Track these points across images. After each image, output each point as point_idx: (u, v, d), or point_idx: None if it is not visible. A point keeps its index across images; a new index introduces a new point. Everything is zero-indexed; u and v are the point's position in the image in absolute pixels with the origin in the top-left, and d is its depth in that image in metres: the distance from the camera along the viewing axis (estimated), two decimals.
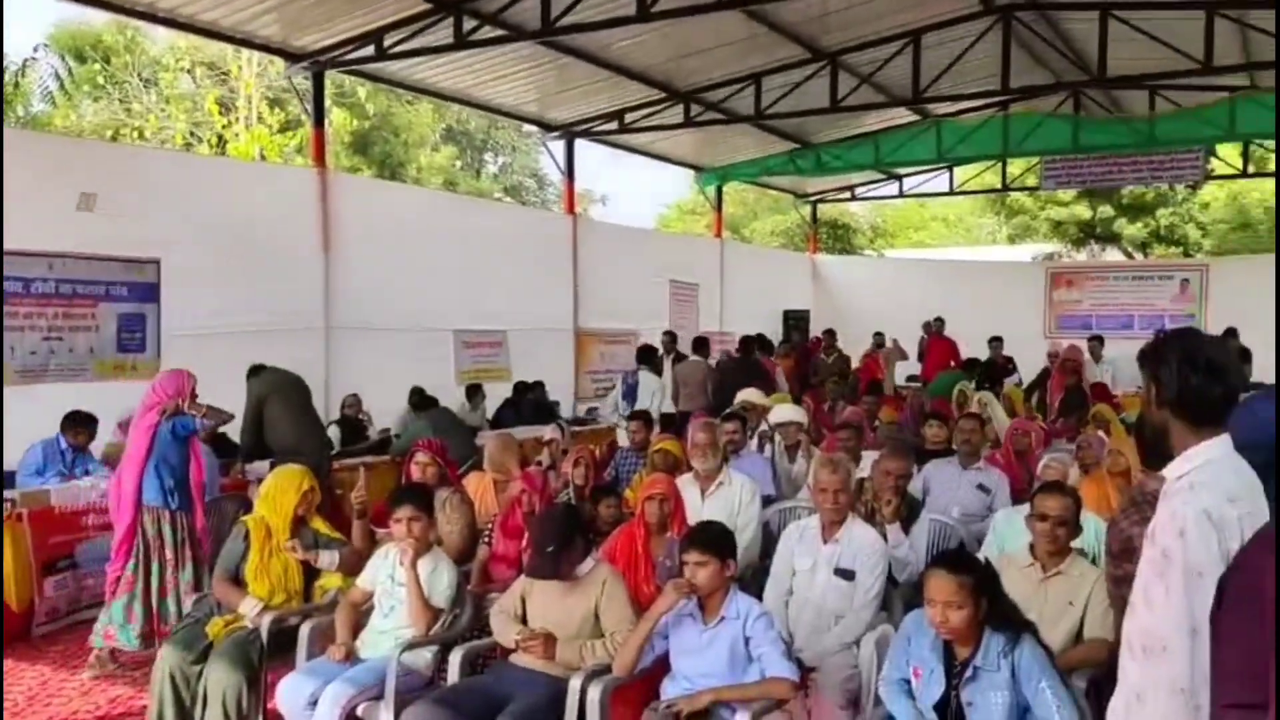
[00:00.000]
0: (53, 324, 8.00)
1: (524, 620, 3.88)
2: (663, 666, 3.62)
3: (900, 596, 4.32)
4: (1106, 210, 22.81)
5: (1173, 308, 17.28)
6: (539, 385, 11.94)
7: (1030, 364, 14.60)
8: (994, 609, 3.00)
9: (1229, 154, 17.73)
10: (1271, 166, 17.43)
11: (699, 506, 5.09)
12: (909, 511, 5.03)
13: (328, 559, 4.49)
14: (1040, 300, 18.29)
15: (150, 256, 8.66)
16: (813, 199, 20.17)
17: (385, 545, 4.25)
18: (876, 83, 12.72)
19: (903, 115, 15.24)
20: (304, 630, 4.19)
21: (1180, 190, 22.06)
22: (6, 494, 6.03)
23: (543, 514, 4.92)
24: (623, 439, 8.24)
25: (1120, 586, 2.94)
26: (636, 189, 52.43)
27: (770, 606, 4.15)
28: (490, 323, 12.37)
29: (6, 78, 13.47)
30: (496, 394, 11.66)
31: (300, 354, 9.11)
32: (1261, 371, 13.78)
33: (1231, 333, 13.65)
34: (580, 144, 14.18)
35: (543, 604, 3.84)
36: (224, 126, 19.82)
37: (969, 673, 3.01)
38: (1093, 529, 4.27)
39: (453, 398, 11.05)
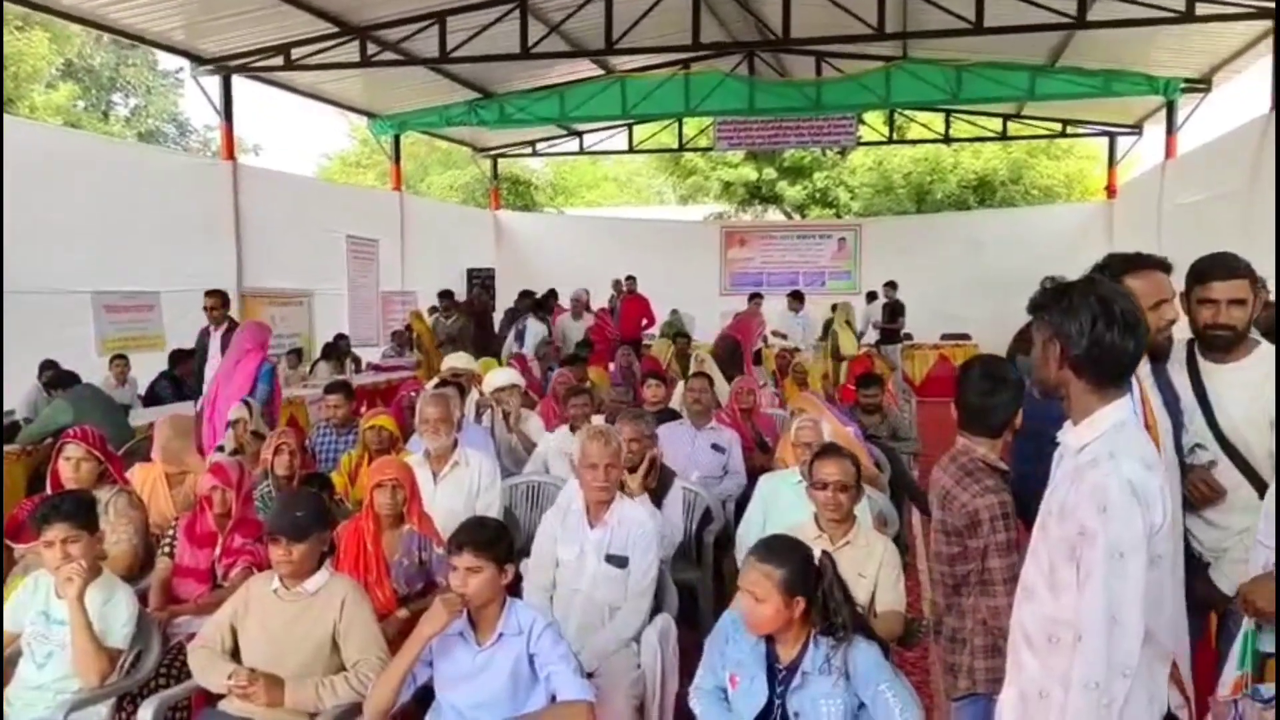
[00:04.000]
0: None
1: (236, 655, 3.07)
2: (424, 701, 2.98)
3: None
4: (770, 173, 24.01)
5: (832, 264, 18.52)
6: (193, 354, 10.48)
7: (708, 323, 15.07)
8: (818, 607, 2.64)
9: (875, 122, 19.22)
10: (912, 134, 19.06)
11: (431, 492, 4.42)
12: (660, 480, 4.69)
13: None
14: (715, 258, 18.92)
15: None
16: (493, 153, 19.54)
17: (31, 572, 3.23)
18: (566, 32, 12.30)
19: (587, 69, 14.99)
20: None
21: (832, 155, 23.69)
22: None
23: (294, 490, 4.12)
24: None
25: (956, 565, 2.70)
26: (291, 138, 48.80)
27: (532, 605, 3.63)
28: (138, 283, 10.69)
29: None
30: (149, 366, 10.12)
31: None
32: (914, 325, 15.16)
33: (892, 285, 14.81)
34: (237, 83, 12.58)
35: (261, 632, 3.05)
36: None
37: (795, 679, 2.64)
38: None
39: (98, 369, 9.46)
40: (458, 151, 23.57)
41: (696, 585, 4.77)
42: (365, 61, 12.10)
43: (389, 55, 12.32)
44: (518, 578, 3.81)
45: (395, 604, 3.75)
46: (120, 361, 9.68)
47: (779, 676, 2.66)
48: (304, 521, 3.01)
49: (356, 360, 12.39)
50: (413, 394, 6.36)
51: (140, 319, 10.82)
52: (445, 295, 11.66)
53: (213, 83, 12.47)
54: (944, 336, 15.49)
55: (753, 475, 5.43)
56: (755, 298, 12.98)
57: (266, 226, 12.55)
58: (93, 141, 15.38)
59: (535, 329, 11.24)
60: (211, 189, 12.05)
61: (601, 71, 14.96)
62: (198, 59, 12.14)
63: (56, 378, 8.11)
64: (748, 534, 4.40)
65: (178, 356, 10.19)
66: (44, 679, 3.07)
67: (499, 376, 6.84)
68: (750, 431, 6.34)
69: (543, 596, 3.65)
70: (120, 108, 30.27)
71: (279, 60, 12.09)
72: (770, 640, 2.68)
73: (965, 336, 15.27)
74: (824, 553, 2.73)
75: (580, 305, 12.11)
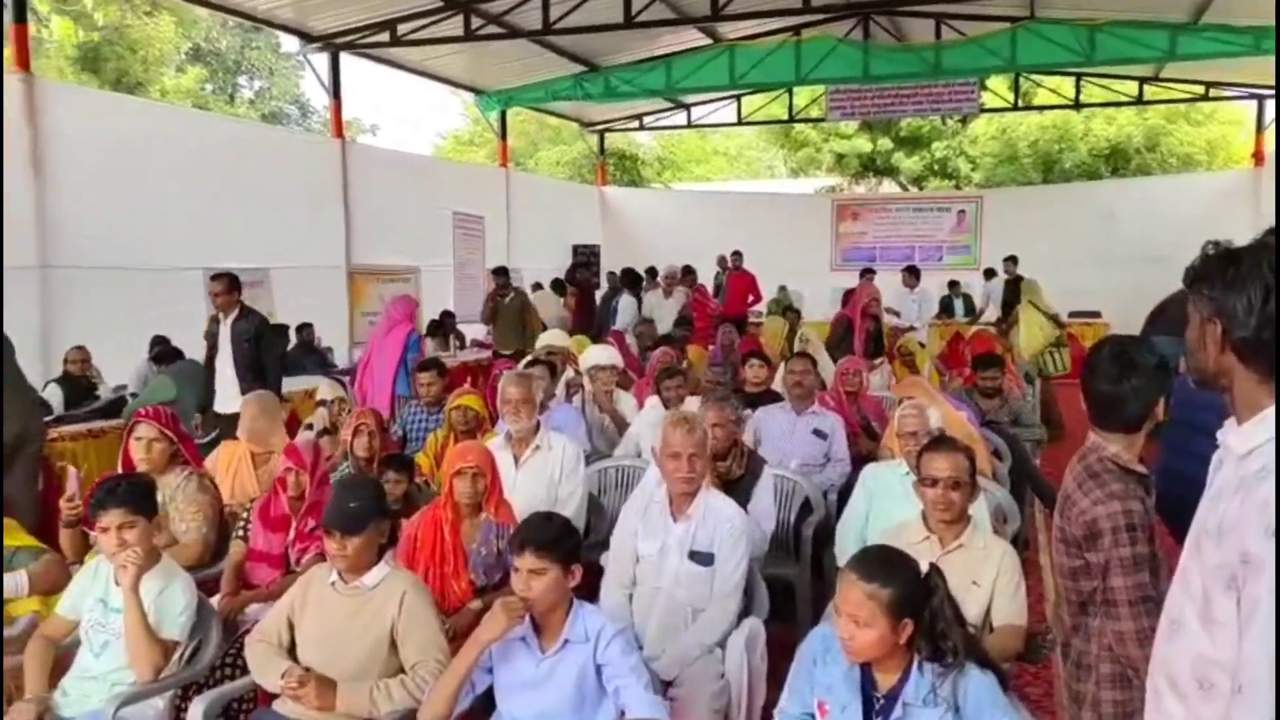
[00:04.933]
0: None
1: (292, 651, 2.90)
2: (485, 709, 2.75)
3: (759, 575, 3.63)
4: (885, 143, 23.20)
5: (950, 238, 17.72)
6: (307, 327, 10.60)
7: (818, 300, 14.56)
8: (925, 629, 2.29)
9: (999, 87, 18.27)
10: (1039, 99, 18.06)
11: (512, 477, 4.22)
12: (748, 467, 4.38)
13: (11, 585, 3.31)
14: (827, 233, 18.34)
15: None
16: (599, 128, 19.34)
17: (94, 558, 3.12)
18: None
19: (694, 38, 14.59)
20: None
21: (952, 123, 22.72)
22: None
23: (350, 477, 3.95)
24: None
25: (1079, 580, 2.32)
26: (408, 119, 49.67)
27: (610, 604, 3.38)
28: (249, 260, 10.81)
29: None
30: None
31: (5, 300, 7.46)
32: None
33: (1012, 260, 14.04)
34: (347, 66, 12.66)
35: (318, 627, 2.87)
36: None
37: (895, 710, 2.29)
38: None
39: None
40: (566, 127, 23.45)
41: (794, 581, 4.46)
42: (469, 35, 11.99)
43: (492, 29, 12.19)
44: (598, 570, 3.57)
45: (474, 595, 3.56)
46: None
47: (876, 707, 2.31)
48: (358, 512, 2.81)
49: (461, 337, 12.38)
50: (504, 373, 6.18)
51: (251, 295, 10.94)
52: (500, 272, 11.09)
53: (322, 61, 12.58)
54: (1071, 314, 14.62)
55: (858, 463, 5.08)
56: (867, 273, 12.45)
57: (374, 203, 12.63)
58: (204, 120, 15.72)
59: (627, 305, 11.05)
60: (321, 166, 12.16)
61: (709, 40, 14.54)
62: (307, 36, 12.22)
63: (164, 353, 8.23)
64: (849, 528, 4.07)
65: (280, 331, 10.30)
66: (100, 669, 2.96)
67: (596, 355, 6.61)
68: (855, 416, 5.96)
69: (621, 594, 3.39)
70: (245, 90, 31.17)
71: (385, 36, 12.09)
72: (866, 664, 2.34)
73: (1095, 314, 14.39)
74: (932, 566, 2.38)
75: (672, 282, 11.76)
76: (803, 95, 17.67)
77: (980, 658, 2.33)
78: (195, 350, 8.85)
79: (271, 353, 7.02)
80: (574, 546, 2.68)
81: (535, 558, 2.58)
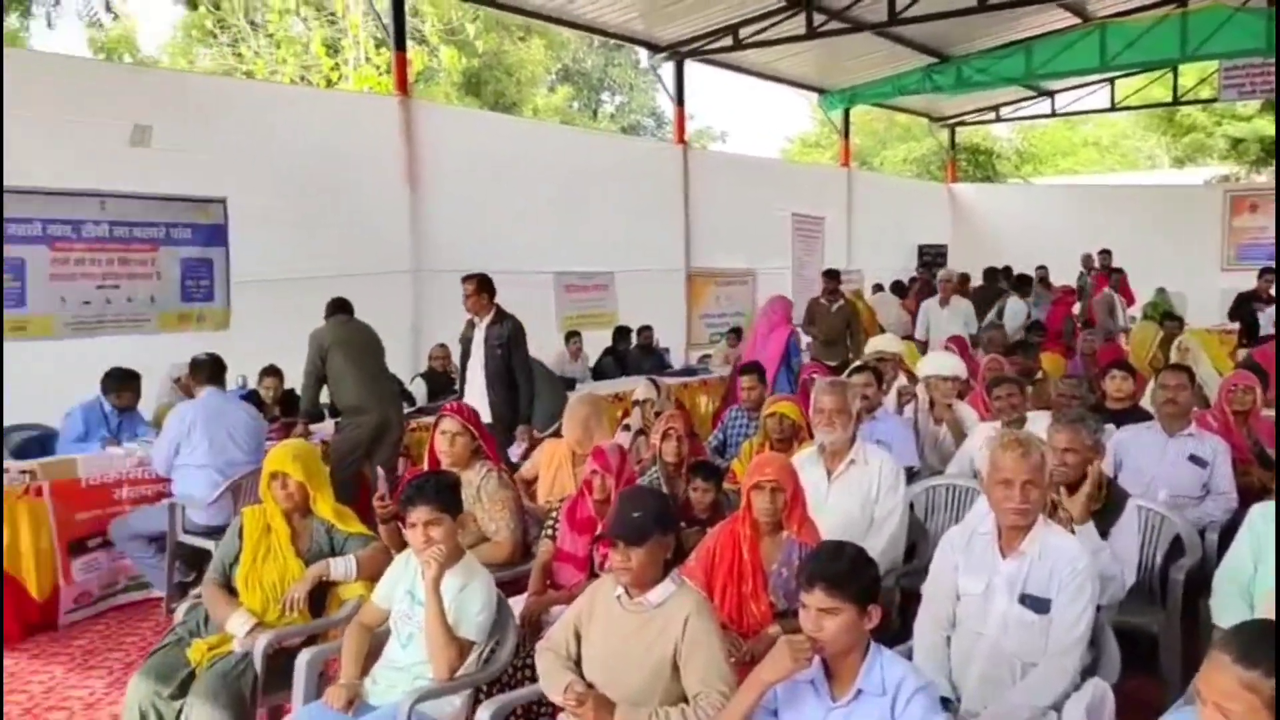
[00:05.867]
0: (108, 271, 7.24)
1: (579, 662, 2.81)
2: None
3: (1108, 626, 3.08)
4: None
5: None
6: (646, 329, 10.86)
7: (1203, 304, 12.77)
8: None
9: None
10: None
11: (823, 493, 3.91)
12: (1107, 499, 3.75)
13: (342, 569, 3.51)
14: (1217, 228, 16.15)
15: (216, 195, 7.83)
16: (950, 122, 18.36)
17: (408, 549, 3.22)
18: None
19: (1059, 19, 13.38)
20: (301, 661, 3.21)
21: None
22: (24, 465, 5.30)
23: (634, 487, 3.84)
24: None
25: None
26: (755, 124, 50.34)
27: (924, 644, 2.99)
28: (594, 263, 11.31)
29: None
30: (599, 342, 10.68)
31: (384, 301, 8.31)
32: None
33: None
34: (696, 77, 12.95)
35: (602, 643, 2.75)
36: (331, 68, 19.25)
37: None
38: None
39: (554, 345, 10.14)
40: (916, 123, 22.53)
41: (1158, 633, 3.79)
42: (811, 33, 11.76)
43: (835, 24, 11.86)
44: (916, 598, 3.20)
45: (772, 618, 3.31)
46: (575, 339, 10.29)
47: None
48: (641, 523, 2.66)
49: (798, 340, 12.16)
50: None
51: (596, 297, 11.43)
52: (830, 275, 10.04)
53: (668, 71, 12.92)
54: None
55: (1245, 497, 4.26)
56: (1267, 273, 10.75)
57: (713, 207, 12.78)
58: (557, 131, 16.67)
59: (1015, 309, 10.43)
60: (664, 172, 12.47)
61: (1076, 20, 13.27)
62: (655, 47, 12.59)
63: None
64: (1230, 579, 3.36)
65: (622, 333, 10.62)
66: (406, 660, 3.03)
67: (935, 363, 6.08)
68: (1246, 441, 5.03)
69: (937, 635, 2.99)
70: (607, 105, 33.04)
71: (728, 40, 12.16)
72: None
73: None
74: None
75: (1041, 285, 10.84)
76: (1189, 74, 15.72)
77: None
78: (547, 349, 9.37)
79: (522, 361, 6.36)
80: (871, 584, 2.35)
81: (826, 595, 2.27)
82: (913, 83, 14.35)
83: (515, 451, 6.17)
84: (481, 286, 6.36)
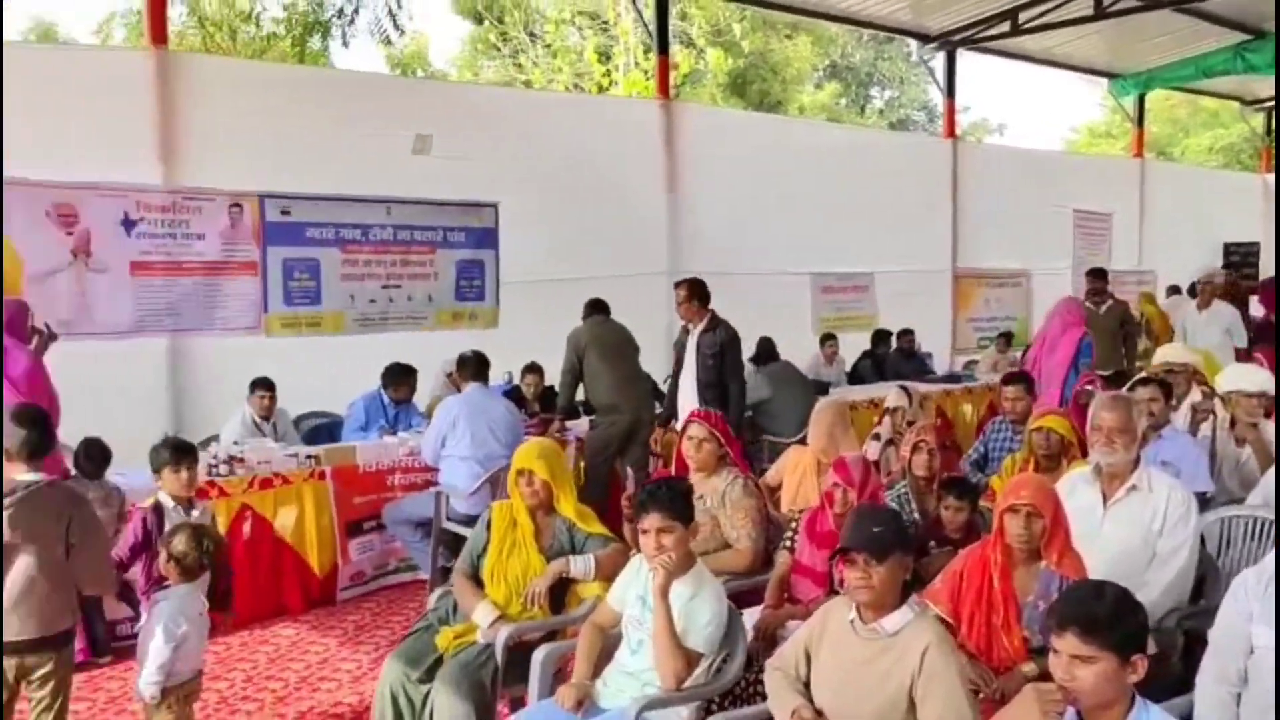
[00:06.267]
0: (391, 271, 7.83)
1: (809, 684, 2.68)
2: None
3: None
4: None
5: None
6: (907, 333, 10.42)
7: None
8: None
9: None
10: None
11: (1097, 521, 3.53)
12: None
13: (581, 567, 3.55)
14: None
15: (489, 200, 8.28)
16: (1266, 105, 16.38)
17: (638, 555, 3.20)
18: None
19: None
20: (537, 657, 3.27)
21: None
22: (311, 450, 5.81)
23: (871, 503, 3.64)
24: None
25: None
26: (1037, 114, 47.33)
27: (1209, 701, 2.62)
28: (854, 264, 10.99)
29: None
30: (857, 345, 10.39)
31: (640, 302, 8.44)
32: None
33: None
34: (972, 67, 12.31)
35: (833, 668, 2.61)
36: (603, 75, 19.93)
37: None
38: None
39: (809, 347, 9.96)
40: (1224, 108, 20.33)
41: None
42: (1100, 13, 10.85)
43: (1129, 2, 10.87)
44: (1203, 642, 2.82)
45: (1026, 655, 3.03)
46: (830, 341, 10.06)
47: None
48: (882, 538, 2.50)
49: None
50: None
51: (855, 299, 11.12)
52: (1096, 274, 9.22)
53: (938, 62, 12.35)
54: None
55: None
56: None
57: (984, 203, 12.07)
58: (816, 128, 16.33)
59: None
60: (931, 168, 11.94)
61: None
62: (925, 38, 12.07)
63: (761, 353, 8.59)
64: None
65: (881, 336, 10.27)
66: (635, 665, 3.01)
67: (1241, 376, 5.38)
68: None
69: (1223, 691, 2.61)
70: (876, 100, 32.22)
71: (1005, 27, 11.45)
72: None
73: None
74: None
75: None
76: None
77: None
78: (801, 352, 9.20)
79: (735, 370, 6.15)
80: (1137, 630, 2.06)
81: (1080, 641, 2.02)
82: (1220, 63, 12.90)
83: None
84: (693, 293, 6.17)
